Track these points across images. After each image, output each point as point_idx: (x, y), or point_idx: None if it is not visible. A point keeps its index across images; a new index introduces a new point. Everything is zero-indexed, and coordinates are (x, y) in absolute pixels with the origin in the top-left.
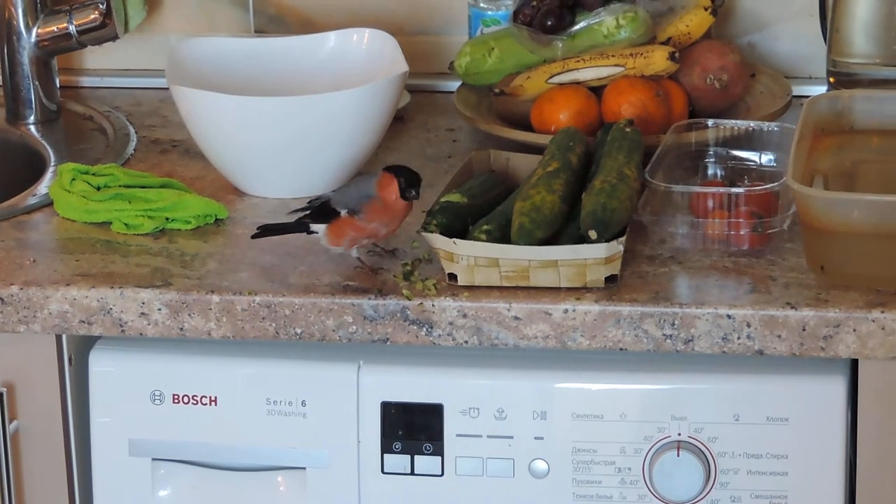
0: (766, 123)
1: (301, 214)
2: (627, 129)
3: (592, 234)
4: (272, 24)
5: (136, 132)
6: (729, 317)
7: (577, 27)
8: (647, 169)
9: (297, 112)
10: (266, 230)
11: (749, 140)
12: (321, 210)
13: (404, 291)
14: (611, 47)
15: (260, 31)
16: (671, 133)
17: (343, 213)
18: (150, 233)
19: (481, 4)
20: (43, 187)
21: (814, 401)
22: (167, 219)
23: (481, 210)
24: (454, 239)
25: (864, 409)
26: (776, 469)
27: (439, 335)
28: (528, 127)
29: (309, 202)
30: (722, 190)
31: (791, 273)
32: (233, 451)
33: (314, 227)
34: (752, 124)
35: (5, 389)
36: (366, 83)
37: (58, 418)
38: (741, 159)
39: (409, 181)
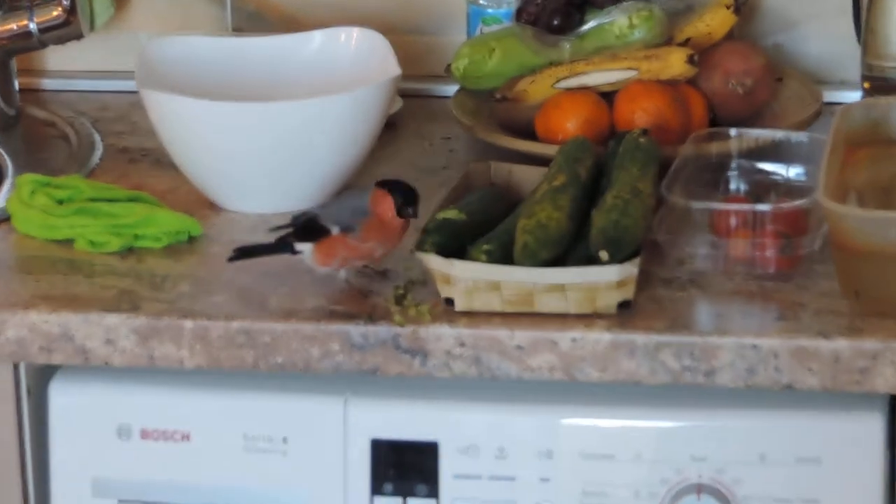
0: (795, 133)
1: (284, 232)
2: (642, 140)
3: (603, 254)
4: (251, 21)
5: (102, 140)
6: (754, 347)
7: (586, 27)
8: (664, 183)
9: (279, 119)
10: (243, 252)
11: (776, 151)
12: (307, 227)
13: (396, 317)
14: (623, 49)
15: (238, 30)
16: (690, 143)
17: (335, 230)
18: (116, 251)
19: (481, 2)
20: (0, 200)
21: (848, 440)
22: (136, 236)
23: (481, 228)
24: (451, 259)
25: None
26: None
27: (434, 366)
28: (532, 136)
29: (293, 218)
30: (746, 207)
31: (823, 299)
32: (207, 492)
33: (299, 246)
34: (778, 134)
35: None
36: (354, 87)
37: (14, 454)
38: (767, 172)
39: (406, 197)
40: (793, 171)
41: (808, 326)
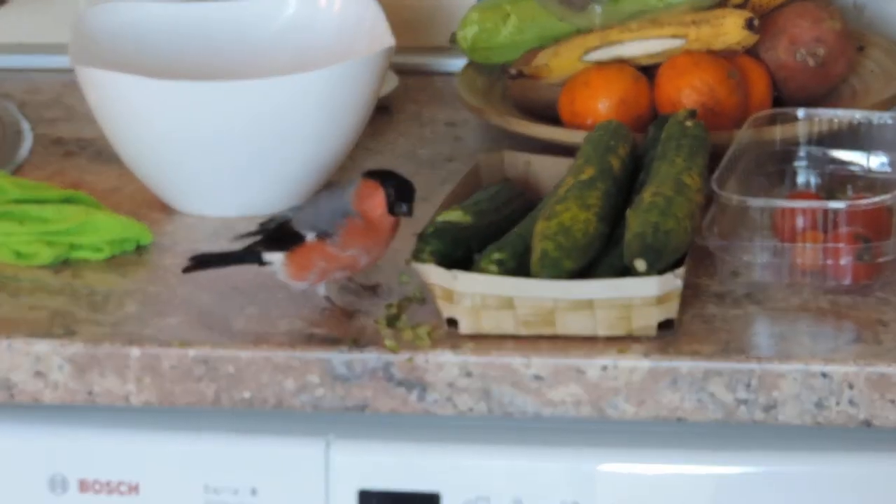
0: (878, 114)
1: (251, 240)
2: (688, 123)
3: (640, 264)
4: None
5: (31, 128)
6: (824, 375)
7: None
8: (715, 176)
9: (246, 101)
10: (201, 262)
11: (854, 136)
12: (278, 234)
13: (387, 342)
14: (667, 13)
15: None
16: (748, 127)
17: (309, 236)
18: (48, 264)
19: None
20: None
21: None
22: (71, 245)
23: (491, 232)
24: (454, 271)
25: None
26: None
27: (435, 400)
28: (554, 120)
29: (260, 224)
30: (816, 204)
31: None
32: None
33: (268, 256)
34: (857, 115)
35: None
36: (338, 62)
37: None
38: (843, 163)
39: (400, 191)
40: (875, 161)
41: (890, 350)
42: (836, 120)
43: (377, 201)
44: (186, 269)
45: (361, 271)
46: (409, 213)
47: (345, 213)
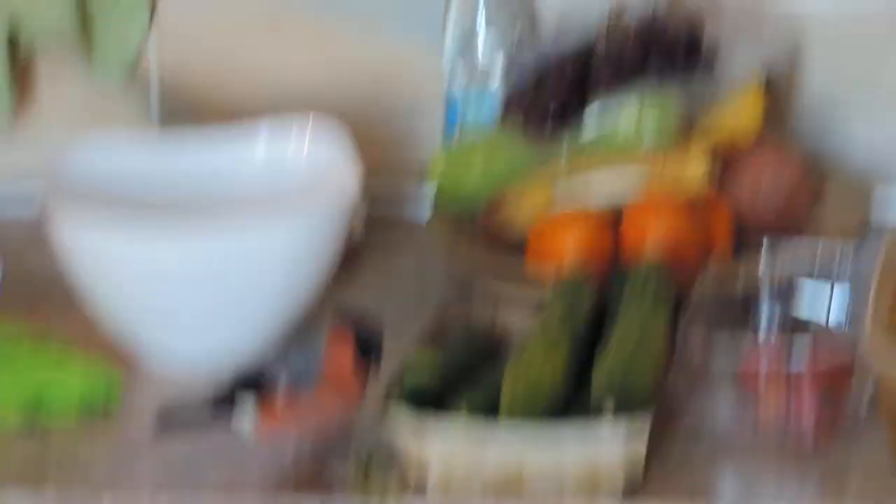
0: (840, 245)
1: (220, 396)
2: (652, 271)
3: (608, 411)
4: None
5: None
6: None
7: (588, 127)
8: (680, 326)
9: (203, 258)
10: (168, 429)
11: (817, 269)
12: (248, 387)
13: (359, 491)
14: (631, 152)
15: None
16: (710, 272)
17: (282, 389)
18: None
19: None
20: None
21: None
22: (39, 406)
23: (461, 380)
24: (424, 437)
25: None
26: None
27: None
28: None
29: (230, 378)
30: (778, 360)
31: (871, 467)
32: None
33: (239, 413)
34: (820, 246)
35: None
36: (306, 206)
37: None
38: (805, 298)
39: (365, 343)
40: (837, 297)
41: (854, 498)
42: (798, 253)
43: (345, 352)
44: (154, 439)
45: (335, 424)
46: (376, 365)
47: (319, 365)
